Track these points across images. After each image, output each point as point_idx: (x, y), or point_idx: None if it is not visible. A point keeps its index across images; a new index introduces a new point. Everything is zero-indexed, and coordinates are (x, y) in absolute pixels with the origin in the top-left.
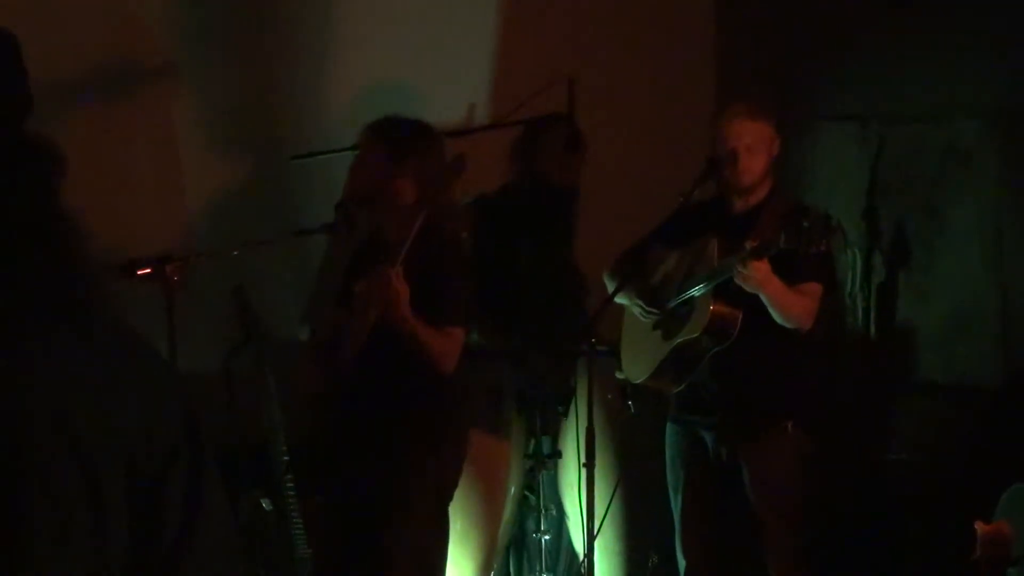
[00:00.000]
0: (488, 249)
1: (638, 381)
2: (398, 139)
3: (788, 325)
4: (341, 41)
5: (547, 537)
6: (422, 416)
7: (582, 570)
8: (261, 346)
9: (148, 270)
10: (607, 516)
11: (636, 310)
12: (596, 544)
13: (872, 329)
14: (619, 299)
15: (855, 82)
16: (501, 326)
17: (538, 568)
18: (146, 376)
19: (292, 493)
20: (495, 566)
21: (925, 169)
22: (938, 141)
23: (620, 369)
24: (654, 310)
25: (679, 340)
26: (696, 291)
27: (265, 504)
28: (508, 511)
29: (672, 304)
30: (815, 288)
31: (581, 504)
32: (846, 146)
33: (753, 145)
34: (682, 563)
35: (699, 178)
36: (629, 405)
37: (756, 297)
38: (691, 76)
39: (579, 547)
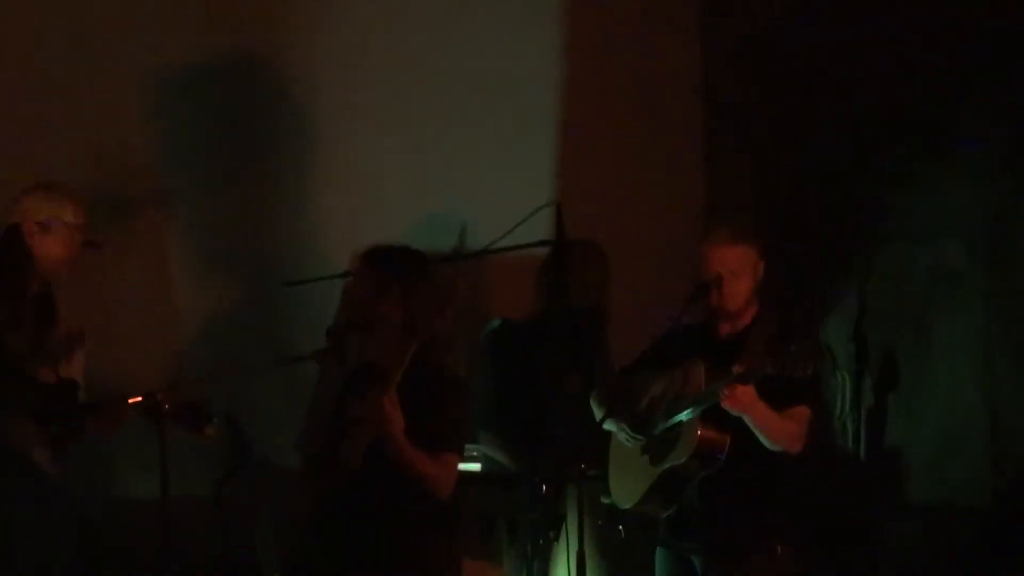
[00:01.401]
0: (511, 374)
1: (627, 506)
2: (384, 266)
3: (776, 448)
4: (336, 169)
5: None
6: (415, 543)
7: None
8: (253, 472)
9: (139, 398)
10: None
11: (623, 436)
12: None
13: (862, 451)
14: (607, 426)
15: (843, 205)
16: (514, 448)
17: None
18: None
19: None
20: None
21: (912, 290)
22: (924, 262)
23: (608, 494)
24: (639, 436)
25: (667, 465)
26: (683, 416)
27: None
28: None
29: (659, 430)
30: (803, 412)
31: None
32: (837, 268)
33: (737, 270)
34: None
35: (686, 302)
36: (619, 530)
37: (742, 421)
38: (678, 200)
39: None
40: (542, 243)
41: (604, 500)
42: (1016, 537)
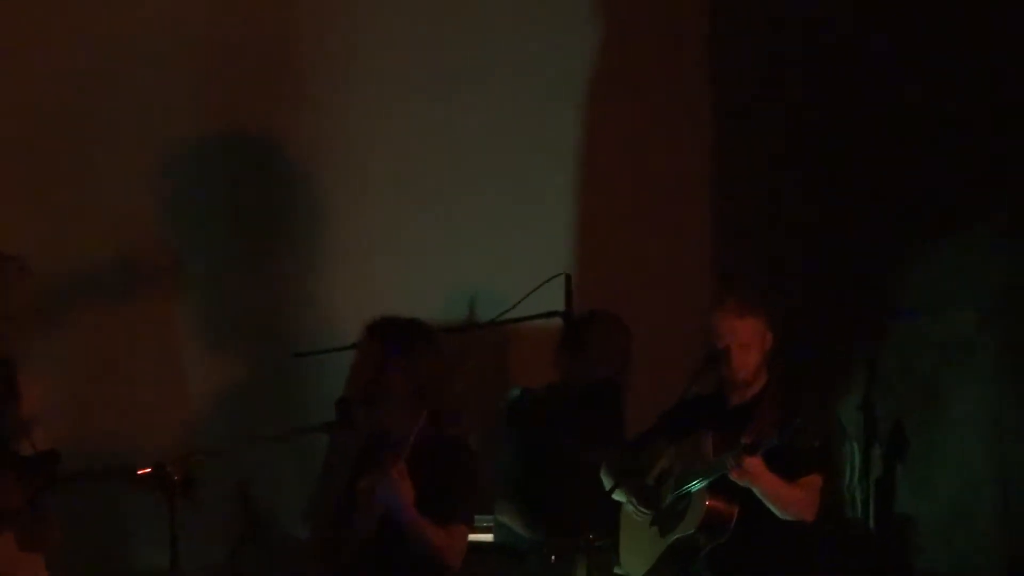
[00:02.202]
0: (530, 443)
1: None
2: (389, 336)
3: (788, 518)
4: (348, 240)
5: None
6: None
7: None
8: (265, 543)
9: (148, 470)
10: None
11: (631, 508)
12: None
13: (871, 520)
14: (616, 496)
15: (854, 275)
16: (531, 518)
17: None
18: None
19: None
20: None
21: (922, 359)
22: (934, 331)
23: (619, 564)
24: (645, 511)
25: (676, 536)
26: (691, 487)
27: None
28: None
29: (668, 501)
30: (814, 480)
31: None
32: (845, 336)
33: (746, 342)
34: None
35: (696, 374)
36: None
37: (751, 492)
38: (686, 274)
39: None
40: (551, 314)
41: (617, 570)
42: None
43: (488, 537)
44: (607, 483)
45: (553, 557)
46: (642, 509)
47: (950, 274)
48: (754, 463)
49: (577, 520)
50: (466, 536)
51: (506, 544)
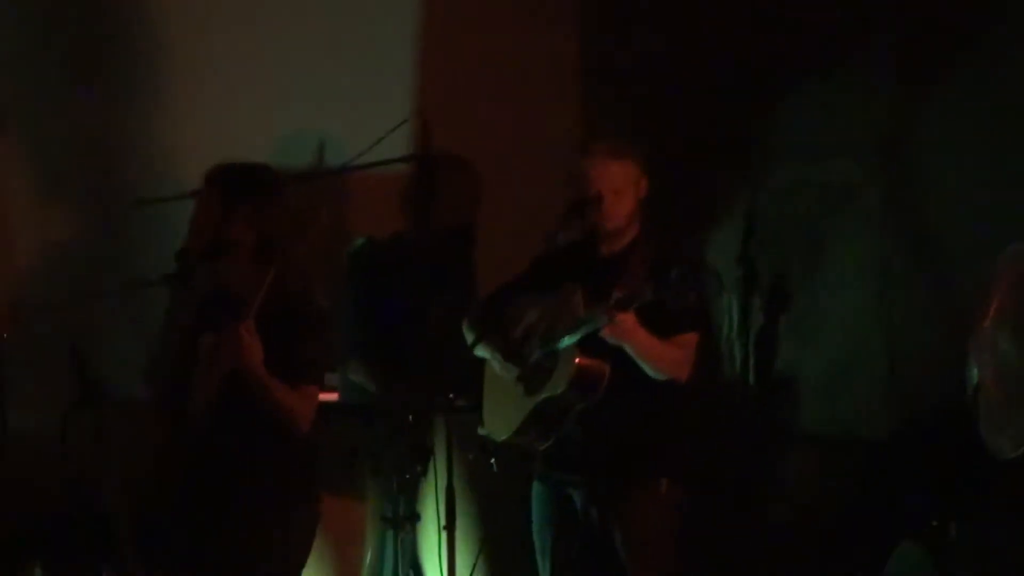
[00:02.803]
0: (374, 297)
1: (501, 439)
2: (232, 185)
3: (660, 377)
4: (190, 82)
5: None
6: (272, 479)
7: None
8: (100, 405)
9: None
10: None
11: (495, 364)
12: None
13: (751, 377)
14: (479, 352)
15: (730, 115)
16: (378, 375)
17: None
18: None
19: (136, 564)
20: None
21: (803, 207)
22: (817, 179)
23: (482, 425)
24: (512, 364)
25: (543, 396)
26: (560, 344)
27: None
28: None
29: (534, 358)
30: (689, 338)
31: (442, 570)
32: (723, 184)
33: (618, 187)
34: None
35: (562, 222)
36: (492, 463)
37: (623, 351)
38: (554, 111)
39: None
40: (407, 158)
41: (480, 431)
42: (912, 469)
43: (333, 397)
44: (469, 337)
45: (410, 417)
46: (508, 364)
47: (831, 118)
48: (627, 319)
49: (435, 378)
50: (316, 398)
51: (355, 404)
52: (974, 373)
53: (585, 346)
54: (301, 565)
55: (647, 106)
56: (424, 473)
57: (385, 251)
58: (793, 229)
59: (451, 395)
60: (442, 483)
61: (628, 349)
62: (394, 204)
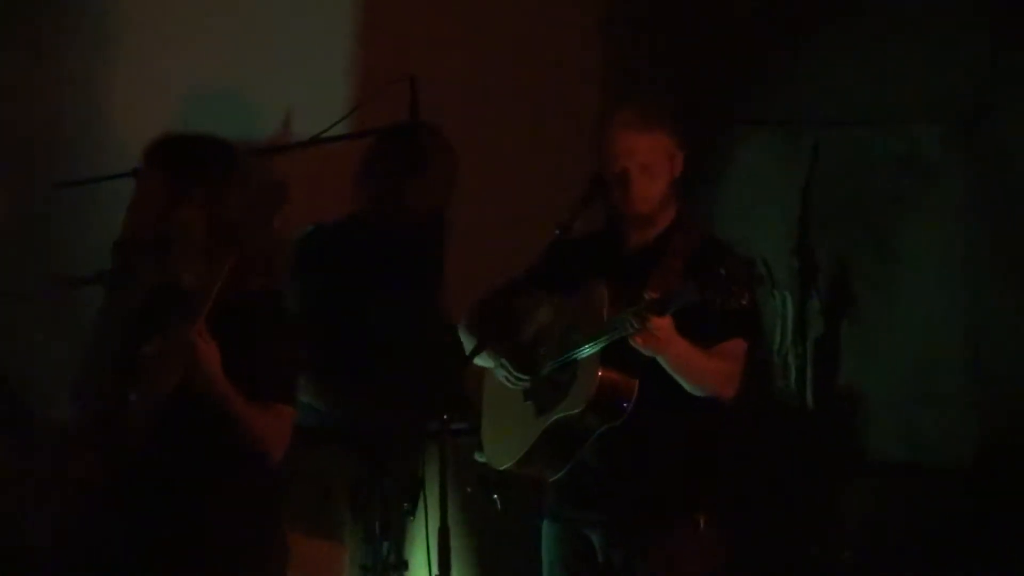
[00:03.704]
0: (327, 296)
1: (504, 467)
2: (182, 162)
3: (700, 394)
4: (129, 36)
5: None
6: (230, 521)
7: None
8: (19, 428)
9: None
10: None
11: (501, 375)
12: None
13: (808, 395)
14: (480, 361)
15: (782, 79)
16: (340, 392)
17: None
18: None
19: None
20: None
21: (872, 188)
22: (889, 152)
23: (481, 452)
24: (523, 376)
25: (557, 415)
26: (579, 352)
27: None
28: None
29: (548, 369)
30: (736, 347)
31: None
32: (771, 159)
33: (648, 163)
34: None
35: (579, 205)
36: (494, 499)
37: (655, 361)
38: (571, 72)
39: None
40: (396, 128)
41: (479, 458)
42: (1001, 503)
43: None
44: (468, 344)
45: (394, 445)
46: (518, 375)
47: (902, 77)
48: (662, 325)
49: (419, 396)
50: (291, 418)
51: (328, 429)
52: None
53: (609, 356)
54: None
55: (678, 58)
56: (413, 511)
57: (341, 238)
58: (858, 213)
59: (445, 416)
60: (434, 523)
61: (662, 360)
62: (343, 185)
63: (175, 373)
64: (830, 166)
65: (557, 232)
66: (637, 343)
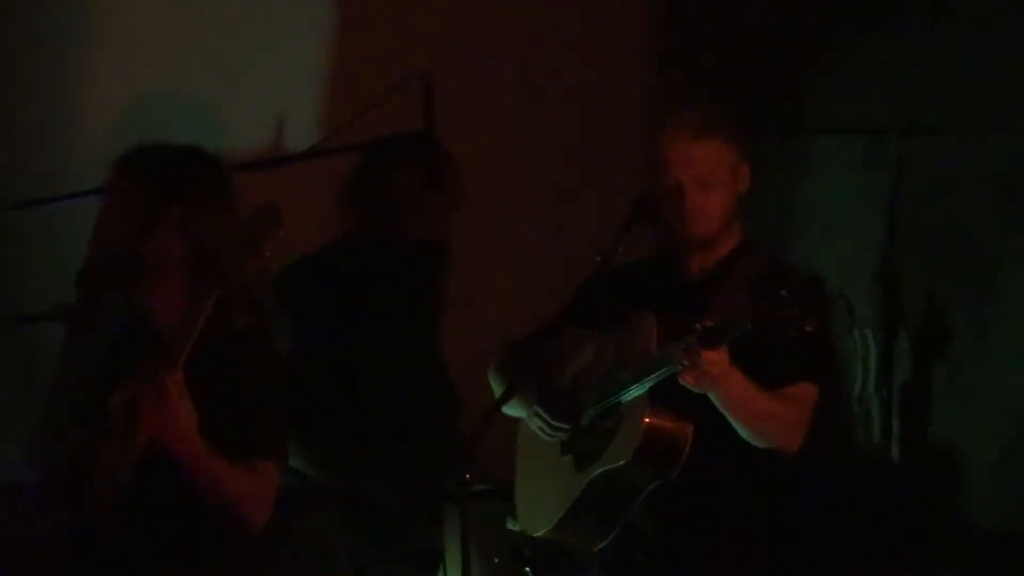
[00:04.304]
0: (312, 336)
1: (539, 534)
2: (157, 176)
3: (758, 444)
4: (98, 37)
5: None
6: None
7: None
8: None
9: None
10: None
11: (536, 424)
12: None
13: (894, 449)
14: (510, 409)
15: (861, 80)
16: (330, 453)
17: None
18: None
19: None
20: None
21: (969, 206)
22: (987, 165)
23: (513, 518)
24: (562, 424)
25: (599, 470)
26: (624, 395)
27: None
28: None
29: (589, 416)
30: (805, 391)
31: None
32: (851, 172)
33: (706, 175)
34: None
35: (625, 226)
36: (527, 572)
37: (710, 402)
38: (616, 75)
39: None
40: (409, 138)
41: (510, 525)
42: None
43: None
44: (497, 388)
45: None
46: (558, 424)
47: (1004, 77)
48: (716, 359)
49: (433, 454)
50: (277, 478)
51: (326, 489)
52: None
53: (659, 399)
54: None
55: (742, 58)
56: None
57: (329, 271)
58: (952, 236)
59: (468, 475)
60: None
61: (717, 401)
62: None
63: (147, 426)
64: (918, 180)
65: (598, 260)
66: (687, 381)
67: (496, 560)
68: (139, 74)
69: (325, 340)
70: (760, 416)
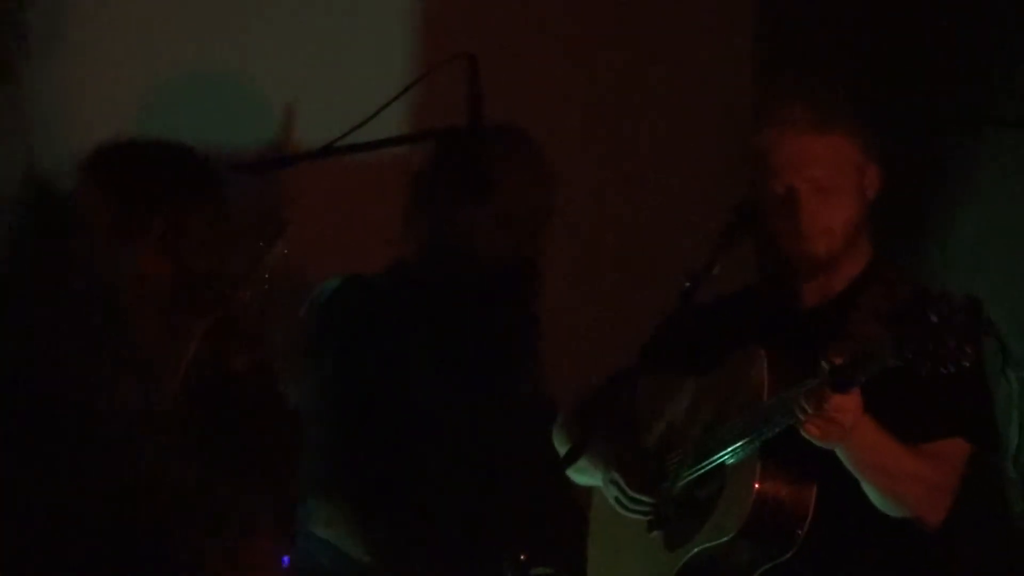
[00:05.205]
0: (360, 389)
1: None
2: (135, 181)
3: (897, 514)
4: (82, 23)
5: None
6: None
7: None
8: None
9: None
10: None
11: (612, 495)
12: None
13: None
14: (578, 475)
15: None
16: (379, 530)
17: None
18: None
19: None
20: None
21: None
22: None
23: None
24: (645, 497)
25: (697, 548)
26: (727, 455)
27: None
28: None
29: (683, 482)
30: (956, 448)
31: None
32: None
33: (827, 179)
34: None
35: (721, 244)
36: None
37: (837, 460)
38: (714, 53)
39: None
40: (446, 133)
41: None
42: None
43: None
44: (562, 447)
45: None
46: (637, 496)
47: None
48: (849, 404)
49: (489, 529)
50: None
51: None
52: None
53: (772, 459)
54: None
55: (854, 40)
56: None
57: (380, 297)
58: None
59: (523, 555)
60: None
61: (846, 459)
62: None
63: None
64: None
65: (687, 285)
66: (811, 433)
67: None
68: (144, 68)
69: (377, 387)
70: (899, 478)
